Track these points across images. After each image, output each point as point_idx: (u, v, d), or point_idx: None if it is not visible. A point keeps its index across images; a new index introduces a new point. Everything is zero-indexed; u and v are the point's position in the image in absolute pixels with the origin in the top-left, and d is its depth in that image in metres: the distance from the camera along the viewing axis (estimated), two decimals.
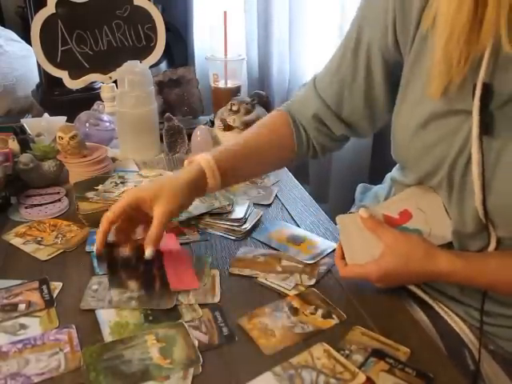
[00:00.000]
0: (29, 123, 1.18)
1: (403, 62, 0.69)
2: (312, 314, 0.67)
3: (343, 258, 0.72)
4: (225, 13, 1.32)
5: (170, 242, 0.83)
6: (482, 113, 0.58)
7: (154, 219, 0.69)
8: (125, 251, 0.75)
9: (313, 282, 0.74)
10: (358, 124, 0.80)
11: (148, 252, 0.69)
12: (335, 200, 1.85)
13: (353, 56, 0.73)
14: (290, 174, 1.13)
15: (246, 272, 0.76)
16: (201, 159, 0.74)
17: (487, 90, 0.58)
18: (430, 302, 0.74)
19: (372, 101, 0.76)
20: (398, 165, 0.84)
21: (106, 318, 0.66)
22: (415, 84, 0.67)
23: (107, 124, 1.23)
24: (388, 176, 0.92)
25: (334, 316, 0.67)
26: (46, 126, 1.16)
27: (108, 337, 0.62)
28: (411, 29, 0.64)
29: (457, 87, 0.59)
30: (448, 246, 0.69)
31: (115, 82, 1.25)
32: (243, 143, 0.80)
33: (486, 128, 0.59)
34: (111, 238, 0.74)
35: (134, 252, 0.75)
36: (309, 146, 0.84)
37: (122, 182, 0.95)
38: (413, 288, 0.75)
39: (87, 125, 1.20)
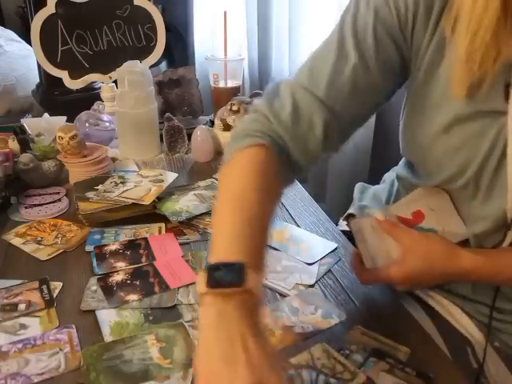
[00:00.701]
0: (29, 123, 1.18)
1: (410, 59, 0.65)
2: (312, 313, 0.67)
3: (361, 263, 0.71)
4: (225, 13, 1.32)
5: (170, 242, 0.83)
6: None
7: None
8: (117, 277, 0.74)
9: (313, 281, 0.74)
10: (353, 129, 0.71)
11: None
12: (333, 199, 1.85)
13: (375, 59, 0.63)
14: None
15: None
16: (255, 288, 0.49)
17: None
18: (430, 301, 0.74)
19: (378, 95, 0.68)
20: (402, 164, 0.82)
21: (106, 318, 0.66)
22: (433, 87, 0.63)
23: (107, 124, 1.23)
24: (387, 176, 0.91)
25: (333, 316, 0.67)
26: (46, 126, 1.16)
27: (108, 337, 0.62)
28: (429, 28, 0.60)
29: (487, 87, 0.56)
30: (462, 242, 0.69)
31: (115, 81, 1.25)
32: (260, 227, 0.56)
33: None
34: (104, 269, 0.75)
35: (127, 276, 0.75)
36: (288, 176, 0.69)
37: (121, 182, 0.95)
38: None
39: (87, 125, 1.20)
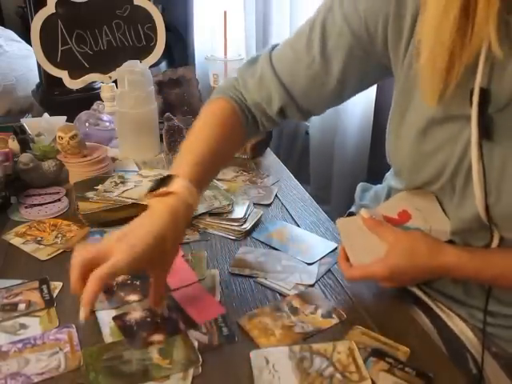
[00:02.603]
0: (29, 123, 1.18)
1: (387, 66, 0.68)
2: (312, 313, 0.67)
3: (347, 260, 0.72)
4: (225, 13, 1.32)
5: None
6: (481, 118, 0.58)
7: (154, 283, 0.64)
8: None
9: (313, 281, 0.74)
10: (316, 112, 0.78)
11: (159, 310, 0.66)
12: (334, 201, 1.85)
13: (331, 55, 0.69)
14: (290, 173, 1.13)
15: (246, 272, 0.76)
16: (179, 189, 0.64)
17: (485, 94, 0.57)
18: (430, 302, 0.74)
19: (340, 93, 0.73)
20: (391, 171, 0.84)
21: (107, 318, 0.66)
22: (411, 91, 0.65)
23: (107, 124, 1.24)
24: (387, 175, 0.91)
25: (333, 316, 0.67)
26: (46, 126, 1.16)
27: (108, 337, 0.62)
28: (404, 35, 0.62)
29: (454, 93, 0.57)
30: (451, 241, 0.69)
31: (115, 81, 1.25)
32: (207, 149, 0.71)
33: (486, 133, 0.58)
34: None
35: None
36: (256, 130, 0.81)
37: (121, 182, 0.95)
38: (413, 289, 0.75)
39: (87, 125, 1.20)
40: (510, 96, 0.56)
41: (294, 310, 0.68)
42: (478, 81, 0.56)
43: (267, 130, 0.86)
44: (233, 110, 0.76)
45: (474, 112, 0.58)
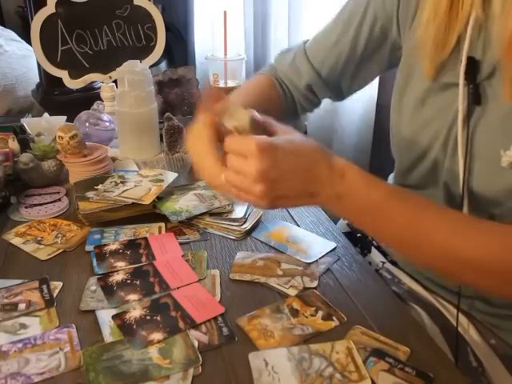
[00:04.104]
0: (29, 123, 1.18)
1: (401, 44, 0.74)
2: (312, 315, 0.67)
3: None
4: (225, 12, 1.32)
5: (170, 242, 0.83)
6: (471, 85, 0.61)
7: None
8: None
9: (315, 284, 0.73)
10: (342, 88, 0.88)
11: None
12: None
13: (355, 33, 0.79)
14: None
15: (247, 277, 0.75)
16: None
17: (473, 63, 0.61)
18: (428, 296, 0.74)
19: (363, 70, 0.83)
20: (392, 174, 0.84)
21: (107, 318, 0.66)
22: (412, 68, 0.70)
23: (107, 124, 1.23)
24: (390, 177, 0.91)
25: (334, 318, 0.67)
26: (46, 126, 1.16)
27: (108, 337, 0.62)
28: (411, 13, 0.68)
29: (447, 62, 0.62)
30: None
31: (115, 81, 1.25)
32: (243, 101, 0.77)
33: (476, 99, 0.61)
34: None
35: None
36: (295, 109, 0.91)
37: (121, 182, 0.95)
38: (412, 286, 0.75)
39: (87, 124, 1.20)
40: (494, 64, 0.59)
41: (295, 312, 0.68)
42: (466, 50, 0.60)
43: (306, 112, 0.94)
44: (269, 79, 0.88)
45: (461, 79, 0.61)
